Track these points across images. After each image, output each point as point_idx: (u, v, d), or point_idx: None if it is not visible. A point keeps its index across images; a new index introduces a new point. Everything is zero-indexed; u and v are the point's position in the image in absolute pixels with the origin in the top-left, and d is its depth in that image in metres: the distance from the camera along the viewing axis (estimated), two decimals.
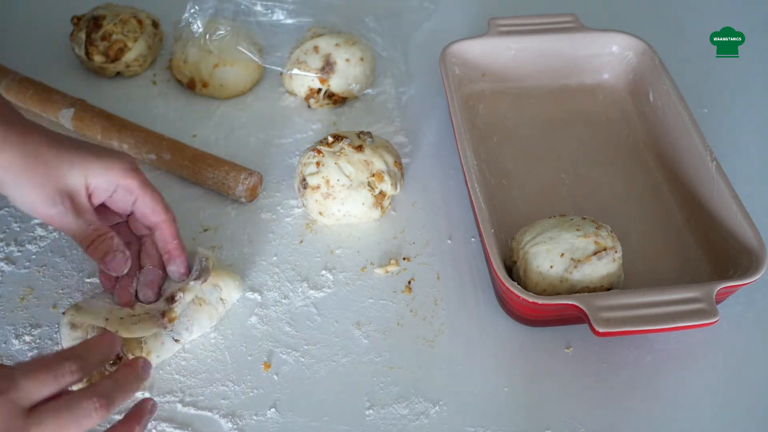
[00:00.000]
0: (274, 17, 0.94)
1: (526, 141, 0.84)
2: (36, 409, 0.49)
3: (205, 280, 0.66)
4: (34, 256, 0.72)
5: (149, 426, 0.61)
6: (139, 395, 0.62)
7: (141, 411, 0.56)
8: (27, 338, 0.66)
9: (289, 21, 0.94)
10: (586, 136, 0.85)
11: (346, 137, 0.75)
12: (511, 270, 0.69)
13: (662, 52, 0.85)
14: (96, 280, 0.70)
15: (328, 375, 0.65)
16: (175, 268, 0.66)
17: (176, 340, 0.65)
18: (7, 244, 0.73)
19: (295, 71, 0.86)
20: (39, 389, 0.50)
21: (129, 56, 0.89)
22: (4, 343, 0.66)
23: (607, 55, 0.88)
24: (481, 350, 0.67)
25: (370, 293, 0.71)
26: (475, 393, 0.64)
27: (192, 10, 0.86)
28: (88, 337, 0.62)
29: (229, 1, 0.91)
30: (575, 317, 0.62)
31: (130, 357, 0.62)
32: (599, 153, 0.83)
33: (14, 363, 0.64)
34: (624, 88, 0.89)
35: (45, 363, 0.51)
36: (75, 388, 0.54)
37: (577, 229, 0.67)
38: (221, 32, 0.86)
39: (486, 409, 0.63)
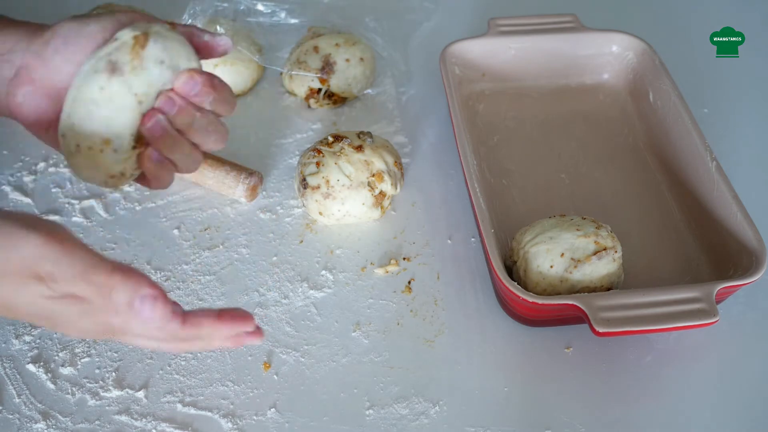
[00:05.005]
0: (274, 17, 0.94)
1: (526, 141, 0.84)
2: None
3: None
4: None
5: (148, 426, 0.61)
6: None
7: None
8: (27, 338, 0.66)
9: (289, 21, 0.94)
10: (586, 136, 0.85)
11: (346, 137, 0.75)
12: (511, 270, 0.69)
13: (662, 52, 0.85)
14: None
15: (328, 375, 0.65)
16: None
17: None
18: None
19: (295, 71, 0.86)
20: None
21: None
22: (4, 343, 0.66)
23: (607, 55, 0.88)
24: (481, 350, 0.67)
25: (370, 293, 0.71)
26: (475, 393, 0.64)
27: (192, 10, 0.86)
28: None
29: (229, 1, 0.91)
30: (575, 317, 0.62)
31: None
32: (599, 153, 0.83)
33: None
34: (624, 88, 0.89)
35: None
36: None
37: (577, 229, 0.67)
38: (221, 32, 0.86)
39: (486, 409, 0.63)
